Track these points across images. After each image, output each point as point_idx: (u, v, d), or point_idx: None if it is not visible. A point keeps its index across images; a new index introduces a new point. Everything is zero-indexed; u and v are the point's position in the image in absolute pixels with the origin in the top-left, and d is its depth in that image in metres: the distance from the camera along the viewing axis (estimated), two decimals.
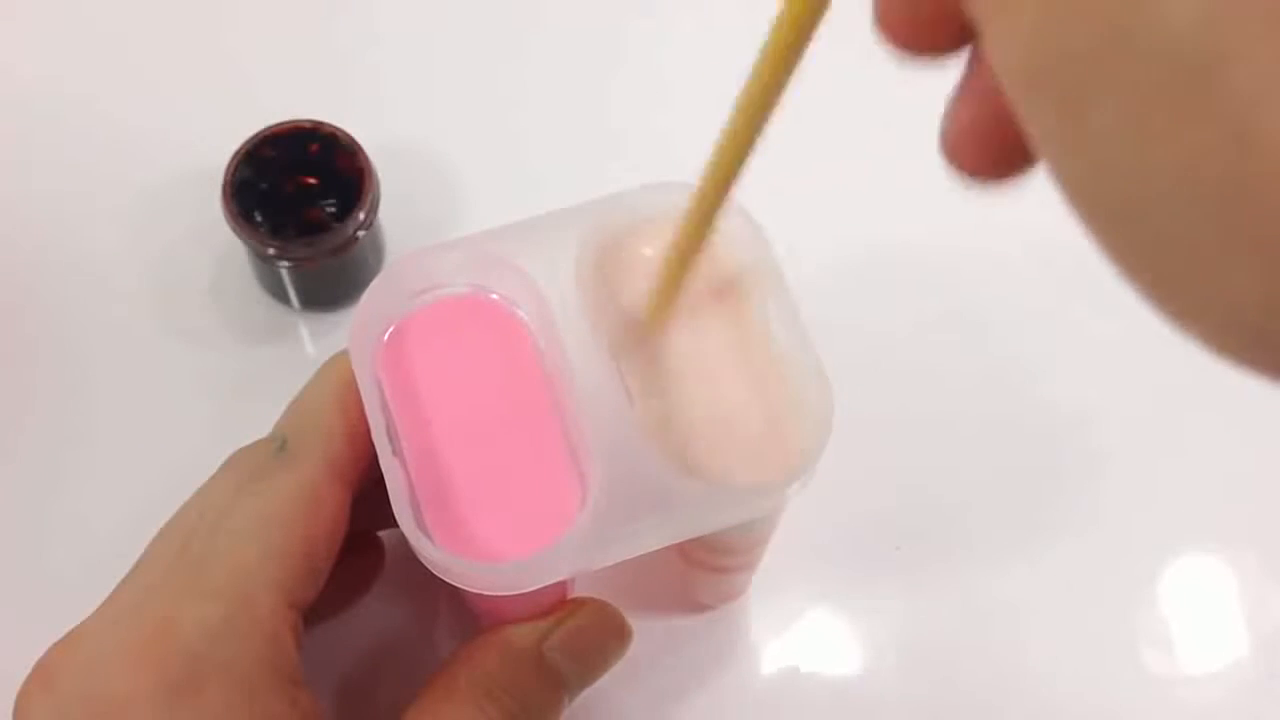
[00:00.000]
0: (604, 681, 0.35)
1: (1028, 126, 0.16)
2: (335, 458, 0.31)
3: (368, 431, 0.31)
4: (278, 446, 0.32)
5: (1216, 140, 0.14)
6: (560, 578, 0.30)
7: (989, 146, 0.20)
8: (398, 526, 0.29)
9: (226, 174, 0.42)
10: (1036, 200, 0.22)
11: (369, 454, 0.32)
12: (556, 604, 0.33)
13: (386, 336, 0.33)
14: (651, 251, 0.33)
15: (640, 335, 0.32)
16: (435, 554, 0.29)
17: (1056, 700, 0.41)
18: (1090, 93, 0.15)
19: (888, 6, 0.20)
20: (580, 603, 0.33)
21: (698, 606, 0.41)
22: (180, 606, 0.29)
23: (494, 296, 0.33)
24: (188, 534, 0.30)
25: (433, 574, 0.30)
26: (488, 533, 0.30)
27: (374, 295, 0.32)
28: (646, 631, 0.36)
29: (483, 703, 0.31)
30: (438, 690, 0.31)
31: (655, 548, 0.31)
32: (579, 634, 0.33)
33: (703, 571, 0.39)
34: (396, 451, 0.31)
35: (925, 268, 0.47)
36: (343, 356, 0.33)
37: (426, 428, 0.31)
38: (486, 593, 0.30)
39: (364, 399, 0.31)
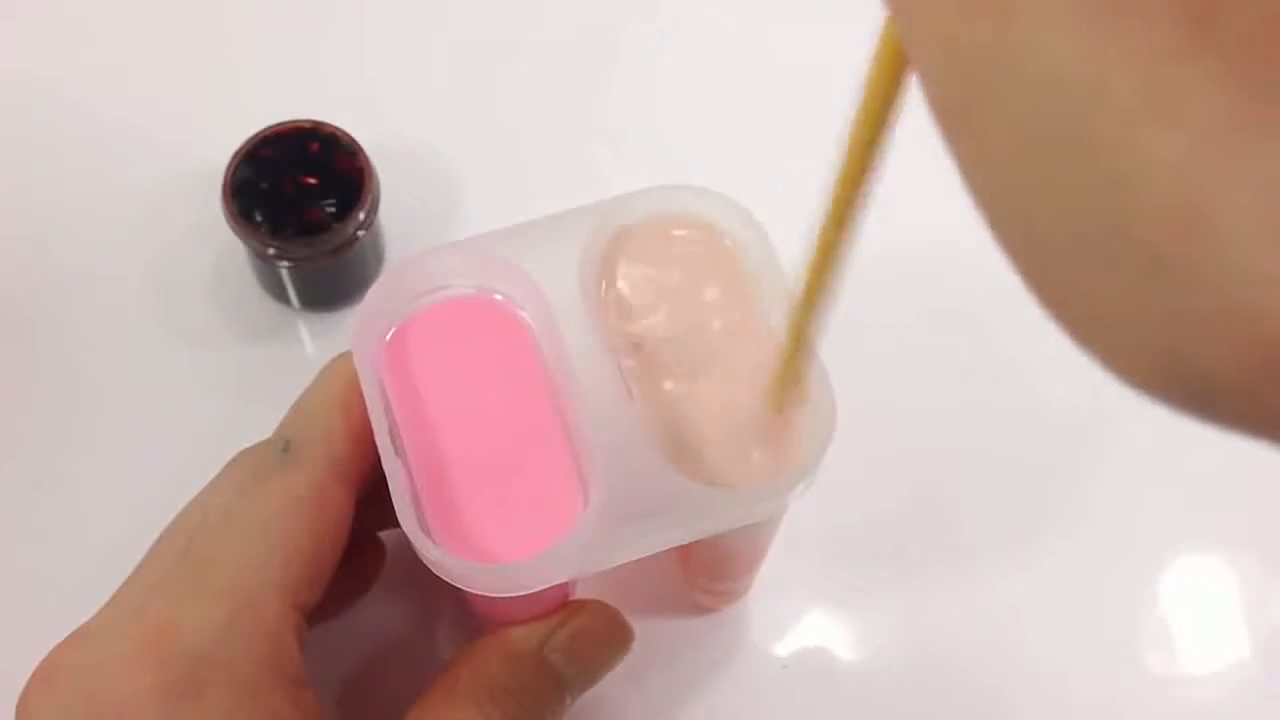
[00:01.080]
0: (605, 682, 0.35)
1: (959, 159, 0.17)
2: (339, 459, 0.31)
3: (370, 432, 0.31)
4: (281, 448, 0.31)
5: (1091, 178, 0.14)
6: (562, 579, 0.30)
7: None
8: (399, 527, 0.29)
9: (226, 174, 0.42)
10: None
11: (372, 455, 0.32)
12: (558, 605, 0.33)
13: (389, 337, 0.33)
14: (650, 264, 0.33)
15: (648, 336, 0.32)
16: (437, 555, 0.29)
17: (1057, 700, 0.41)
18: (986, 126, 0.15)
19: None
20: (582, 604, 0.33)
21: (699, 608, 0.41)
22: (183, 608, 0.29)
23: (497, 298, 0.33)
24: (191, 535, 0.30)
25: (434, 574, 0.30)
26: (489, 534, 0.30)
27: (376, 296, 0.32)
28: (648, 633, 0.36)
29: (484, 704, 0.31)
30: (440, 691, 0.31)
31: (657, 550, 0.31)
32: (580, 636, 0.33)
33: (704, 573, 0.39)
34: (399, 452, 0.31)
35: (926, 267, 0.47)
36: (345, 357, 0.33)
37: (429, 429, 0.31)
38: (488, 594, 0.30)
39: (366, 400, 0.31)
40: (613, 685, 0.35)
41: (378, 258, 0.45)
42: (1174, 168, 0.14)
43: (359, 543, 0.36)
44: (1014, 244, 0.16)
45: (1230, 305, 0.14)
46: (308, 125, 0.43)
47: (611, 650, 0.34)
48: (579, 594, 0.34)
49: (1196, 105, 0.14)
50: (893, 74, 0.21)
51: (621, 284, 0.33)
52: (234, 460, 0.32)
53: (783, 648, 0.41)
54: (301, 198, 0.42)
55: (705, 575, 0.40)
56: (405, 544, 0.30)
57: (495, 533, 0.30)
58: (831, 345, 0.32)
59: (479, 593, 0.30)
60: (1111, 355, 0.16)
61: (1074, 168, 0.15)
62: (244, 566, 0.29)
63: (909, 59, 0.17)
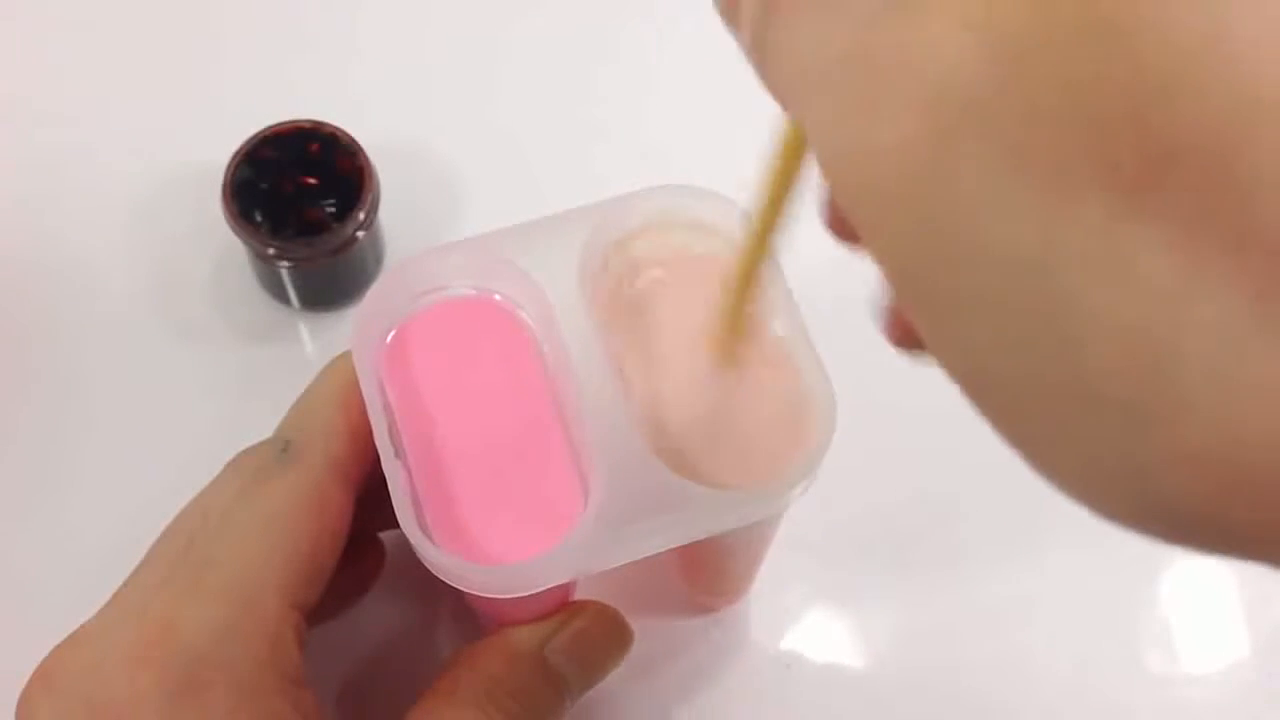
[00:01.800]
0: (605, 682, 0.35)
1: (912, 321, 0.18)
2: (338, 459, 0.31)
3: (370, 432, 0.31)
4: (281, 448, 0.31)
5: (1050, 339, 0.15)
6: (562, 580, 0.30)
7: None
8: (399, 528, 0.29)
9: (226, 174, 0.42)
10: None
11: (371, 455, 0.32)
12: (558, 606, 0.33)
13: (389, 338, 0.33)
14: (650, 265, 0.33)
15: (648, 337, 0.32)
16: (437, 556, 0.29)
17: (1057, 700, 0.41)
18: (942, 300, 0.17)
19: (835, 212, 0.23)
20: (582, 605, 0.33)
21: (699, 607, 0.41)
22: (183, 608, 0.29)
23: (497, 298, 0.33)
24: (191, 535, 0.30)
25: (434, 575, 0.30)
26: (489, 535, 0.30)
27: (376, 296, 0.32)
28: (648, 632, 0.36)
29: (485, 705, 0.31)
30: (440, 692, 0.31)
31: (657, 551, 0.31)
32: (581, 637, 0.33)
33: (704, 573, 0.39)
34: (399, 453, 0.31)
35: None
36: (345, 357, 0.33)
37: (429, 429, 0.31)
38: (488, 595, 0.30)
39: (366, 400, 0.31)
40: (613, 685, 0.35)
41: (378, 258, 0.45)
42: (1136, 316, 0.15)
43: (359, 543, 0.36)
44: (980, 401, 0.17)
45: (1188, 443, 0.15)
46: (308, 125, 0.43)
47: (612, 651, 0.34)
48: (579, 594, 0.34)
49: (1143, 264, 0.14)
50: (794, 166, 0.23)
51: (622, 284, 0.33)
52: (234, 461, 0.32)
53: (783, 647, 0.41)
54: (301, 198, 0.42)
55: (705, 575, 0.40)
56: (405, 544, 0.30)
57: (495, 533, 0.30)
58: (829, 342, 0.32)
59: (478, 594, 0.30)
60: (1086, 497, 0.17)
61: (1032, 331, 0.16)
62: (244, 567, 0.29)
63: (856, 232, 0.18)
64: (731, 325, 0.31)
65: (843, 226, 0.22)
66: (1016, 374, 0.16)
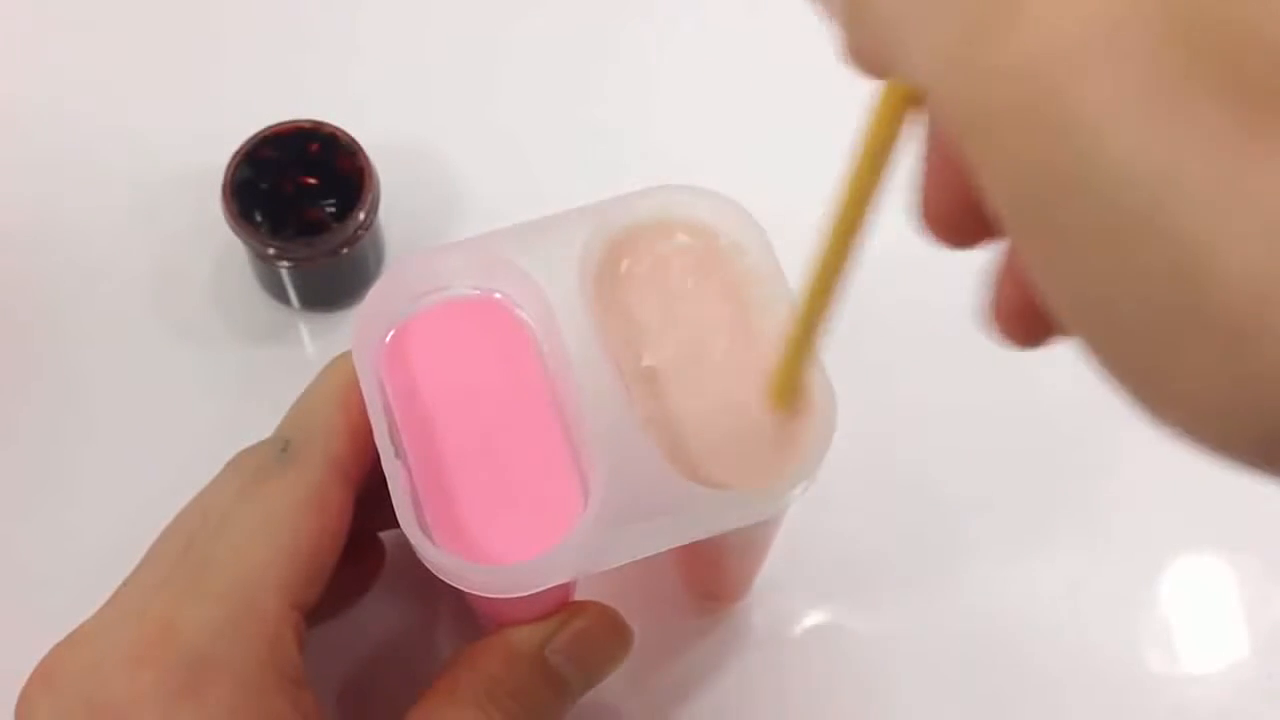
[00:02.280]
0: (605, 682, 0.35)
1: (1022, 257, 0.18)
2: (338, 458, 0.31)
3: (370, 432, 0.31)
4: (280, 448, 0.31)
5: (1168, 264, 0.15)
6: (562, 580, 0.30)
7: (1033, 318, 0.22)
8: (399, 527, 0.29)
9: (226, 174, 0.42)
10: None
11: (372, 454, 0.32)
12: (558, 606, 0.33)
13: (389, 338, 0.33)
14: (651, 265, 0.33)
15: (648, 336, 0.32)
16: (437, 556, 0.29)
17: (1057, 700, 0.41)
18: (1059, 226, 0.16)
19: (933, 205, 0.22)
20: (583, 606, 0.33)
21: (699, 608, 0.41)
22: (182, 608, 0.29)
23: (497, 298, 0.33)
24: (190, 535, 0.30)
25: (434, 575, 0.30)
26: (490, 535, 0.30)
27: (376, 297, 0.32)
28: (648, 631, 0.36)
29: (485, 705, 0.31)
30: (440, 692, 0.31)
31: (658, 551, 0.31)
32: (582, 637, 0.33)
33: (705, 573, 0.39)
34: (399, 453, 0.31)
35: (927, 264, 0.47)
36: (345, 357, 0.32)
37: (429, 430, 0.31)
38: (488, 595, 0.30)
39: (366, 401, 0.31)
40: (613, 685, 0.35)
41: (378, 258, 0.45)
42: (1254, 241, 0.14)
43: (359, 543, 0.36)
44: (1092, 331, 0.17)
45: None
46: (308, 125, 0.43)
47: (612, 652, 0.34)
48: (579, 594, 0.34)
49: (1266, 190, 0.14)
50: (894, 126, 0.22)
51: (622, 284, 0.33)
52: (233, 460, 0.32)
53: (783, 647, 0.41)
54: (301, 198, 0.42)
55: (706, 575, 0.40)
56: (405, 545, 0.30)
57: (495, 533, 0.30)
58: (832, 344, 0.32)
59: (479, 594, 0.30)
60: (1199, 428, 0.16)
61: (1150, 255, 0.15)
62: (243, 566, 0.29)
63: (971, 168, 0.17)
64: (796, 370, 0.30)
65: (940, 221, 0.22)
66: (1132, 302, 0.16)
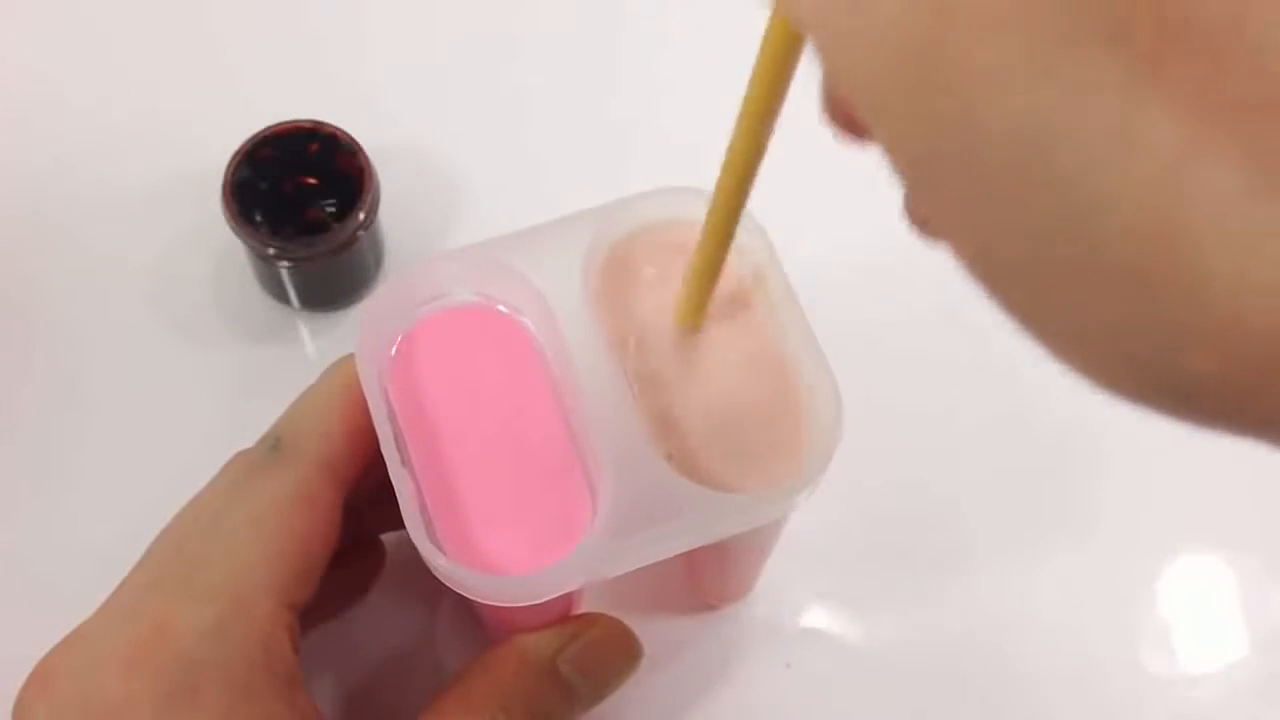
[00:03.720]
0: None
1: (925, 209, 0.18)
2: (328, 457, 0.31)
3: (365, 431, 0.31)
4: (270, 446, 0.31)
5: (1066, 205, 0.15)
6: (572, 588, 0.30)
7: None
8: (399, 529, 0.29)
9: (226, 174, 0.42)
10: None
11: (366, 454, 0.31)
12: (566, 612, 0.33)
13: (394, 347, 0.33)
14: (654, 269, 0.33)
15: (653, 341, 0.32)
16: (447, 566, 0.29)
17: (1056, 699, 0.41)
18: (955, 187, 0.16)
19: (832, 109, 0.22)
20: (594, 618, 0.33)
21: (702, 606, 0.41)
22: (175, 609, 0.29)
23: (500, 305, 0.33)
24: (184, 535, 0.30)
25: (436, 579, 0.30)
26: (499, 543, 0.30)
27: (379, 305, 0.32)
28: (651, 631, 0.36)
29: (497, 714, 0.31)
30: (453, 700, 0.31)
31: (666, 556, 0.31)
32: (593, 649, 0.33)
33: (709, 574, 0.39)
34: (405, 462, 0.31)
35: (926, 266, 0.47)
36: (347, 359, 0.32)
37: (435, 438, 0.31)
38: (499, 604, 0.30)
39: (371, 409, 0.30)
40: None
41: (377, 258, 0.45)
42: (1145, 188, 0.14)
43: (359, 544, 0.36)
44: (992, 280, 0.17)
45: (1212, 314, 0.14)
46: (307, 125, 0.43)
47: (622, 665, 0.34)
48: (587, 597, 0.34)
49: (1150, 135, 0.14)
50: (785, 59, 0.22)
51: (625, 288, 0.33)
52: (230, 461, 0.32)
53: (785, 647, 0.41)
54: (301, 198, 0.42)
55: (710, 576, 0.40)
56: (406, 545, 0.30)
57: (504, 542, 0.30)
58: (830, 342, 0.32)
59: (489, 602, 0.30)
60: (1098, 370, 0.16)
61: (1043, 207, 0.15)
62: (235, 566, 0.29)
63: (858, 115, 0.17)
64: (704, 287, 0.30)
65: (845, 120, 0.22)
66: (1029, 253, 0.16)
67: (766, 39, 0.23)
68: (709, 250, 0.29)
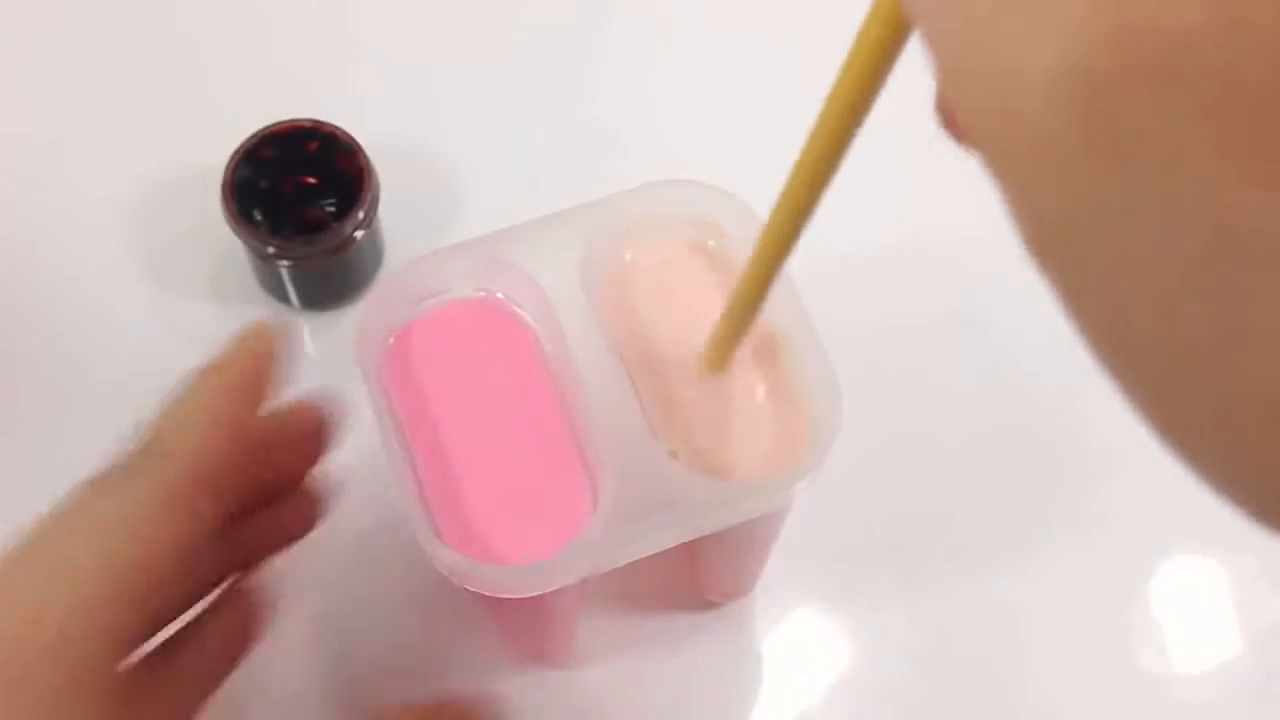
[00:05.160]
0: (607, 678, 0.34)
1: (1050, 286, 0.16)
2: (183, 470, 0.29)
3: (228, 440, 0.29)
4: (124, 460, 0.30)
5: (1228, 329, 0.14)
6: (574, 580, 0.30)
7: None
8: (276, 554, 0.29)
9: (226, 174, 0.42)
10: None
11: (234, 468, 0.29)
12: (571, 613, 0.33)
13: (392, 341, 0.33)
14: (654, 259, 0.33)
15: (662, 360, 0.32)
16: (449, 559, 0.29)
17: (1054, 699, 0.41)
18: (1099, 262, 0.14)
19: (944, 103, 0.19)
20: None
21: (704, 603, 0.41)
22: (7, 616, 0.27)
23: (499, 299, 0.33)
24: (32, 541, 0.29)
25: (440, 579, 0.30)
26: (500, 536, 0.30)
27: (378, 301, 0.32)
28: (652, 629, 0.36)
29: None
30: None
31: (667, 546, 0.31)
32: None
33: (711, 568, 0.39)
34: (406, 456, 0.31)
35: (926, 267, 0.47)
36: (224, 359, 0.31)
37: (435, 432, 0.31)
38: (501, 595, 0.30)
39: (371, 404, 0.30)
40: (615, 682, 0.35)
41: (377, 257, 0.45)
42: None
43: (284, 495, 0.33)
44: (1121, 370, 0.16)
45: None
46: (307, 125, 0.43)
47: None
48: (591, 596, 0.34)
49: None
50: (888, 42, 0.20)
51: (624, 281, 0.33)
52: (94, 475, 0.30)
53: (785, 644, 0.41)
54: (301, 197, 0.42)
55: (713, 570, 0.40)
56: (408, 545, 0.30)
57: (505, 534, 0.30)
58: (830, 343, 0.32)
59: (491, 594, 0.30)
60: (1228, 489, 0.15)
61: (1196, 306, 0.14)
62: (70, 581, 0.28)
63: (1014, 215, 0.16)
64: (738, 328, 0.30)
65: (951, 120, 0.19)
66: (1169, 349, 0.14)
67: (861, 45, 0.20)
68: (748, 293, 0.28)
